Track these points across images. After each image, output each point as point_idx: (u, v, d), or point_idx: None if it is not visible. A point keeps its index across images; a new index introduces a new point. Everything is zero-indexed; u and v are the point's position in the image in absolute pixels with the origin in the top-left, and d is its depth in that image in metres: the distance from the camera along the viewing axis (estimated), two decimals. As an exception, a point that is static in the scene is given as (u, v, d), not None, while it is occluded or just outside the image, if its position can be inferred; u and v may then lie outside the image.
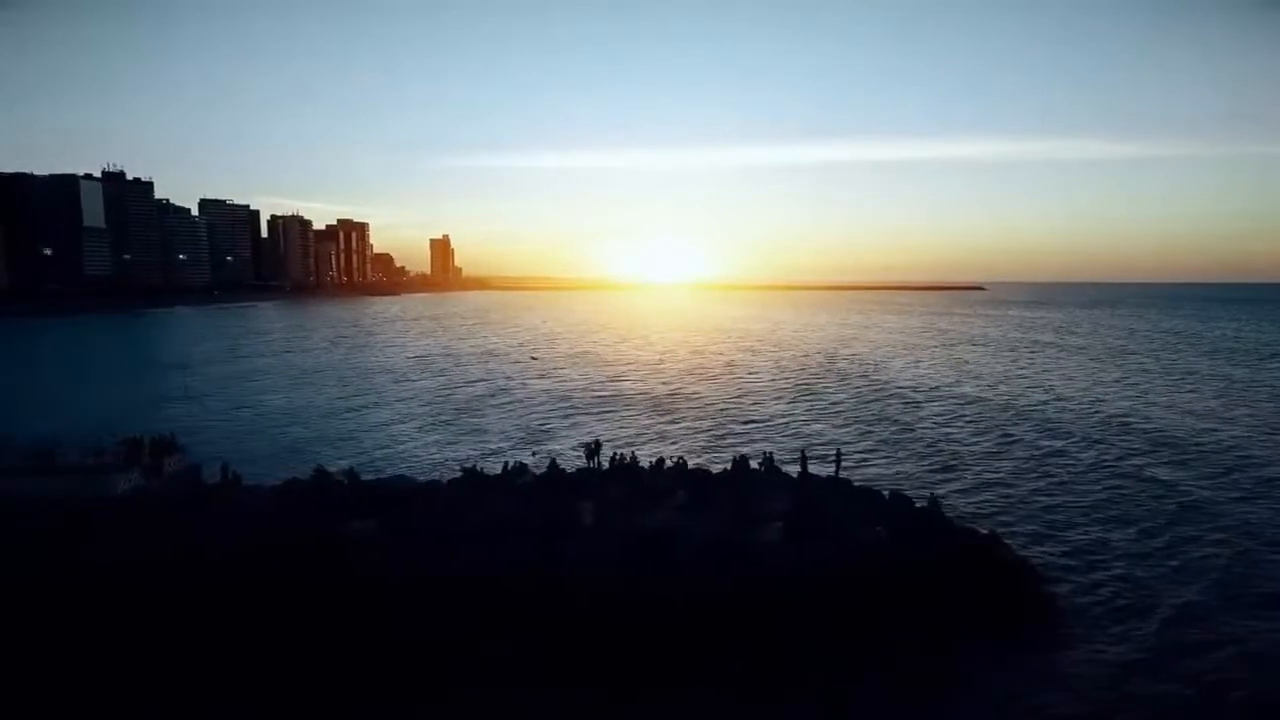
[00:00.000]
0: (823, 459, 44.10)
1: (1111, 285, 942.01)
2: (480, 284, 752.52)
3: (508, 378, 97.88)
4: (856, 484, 37.49)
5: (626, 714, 22.75)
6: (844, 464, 39.68)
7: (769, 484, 35.30)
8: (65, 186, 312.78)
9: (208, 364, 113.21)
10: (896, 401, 78.13)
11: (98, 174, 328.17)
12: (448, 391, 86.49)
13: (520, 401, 78.89)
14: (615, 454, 37.39)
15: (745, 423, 67.43)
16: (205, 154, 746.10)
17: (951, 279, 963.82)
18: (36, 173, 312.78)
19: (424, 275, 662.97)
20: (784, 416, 70.30)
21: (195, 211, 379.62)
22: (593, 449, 36.63)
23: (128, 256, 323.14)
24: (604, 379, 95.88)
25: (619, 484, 33.92)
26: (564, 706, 22.76)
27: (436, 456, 53.84)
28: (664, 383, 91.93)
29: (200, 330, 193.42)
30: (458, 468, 37.72)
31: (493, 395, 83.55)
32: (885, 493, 35.70)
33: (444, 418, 70.01)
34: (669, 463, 37.75)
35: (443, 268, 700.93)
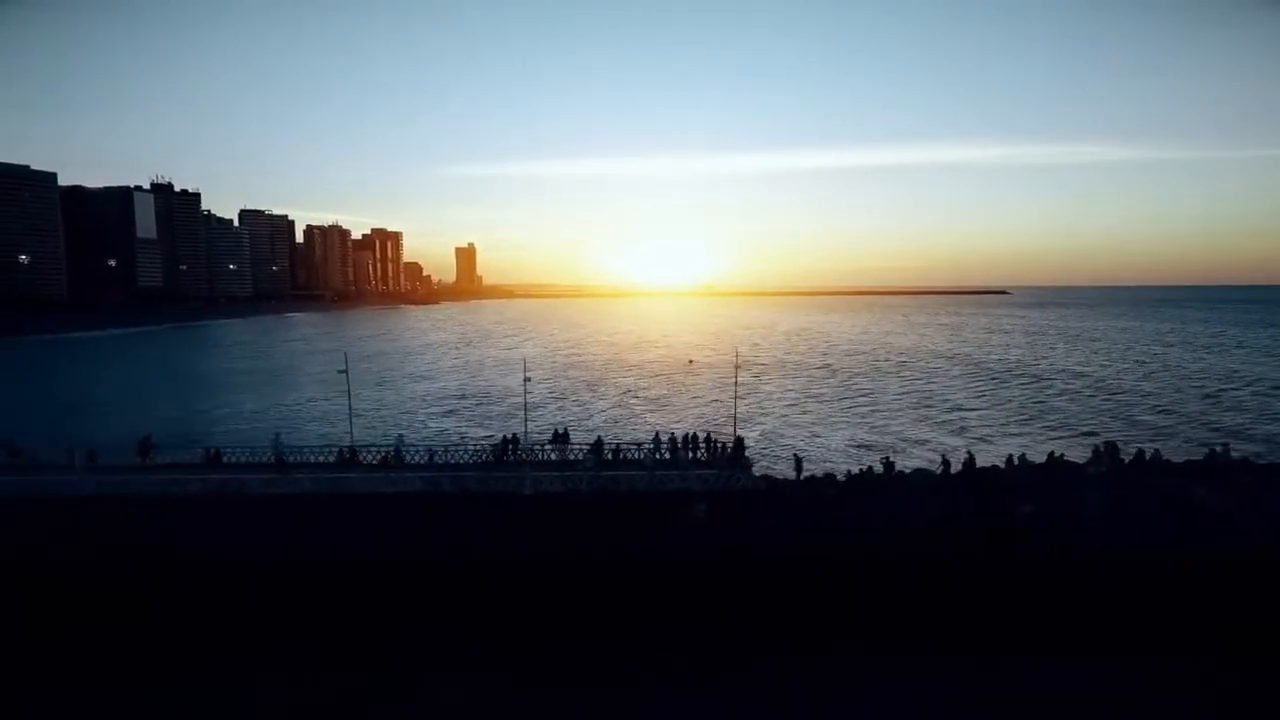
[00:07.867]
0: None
1: (1134, 288, 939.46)
2: (503, 292, 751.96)
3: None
4: None
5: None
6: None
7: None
8: (119, 198, 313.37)
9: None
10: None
11: (142, 185, 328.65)
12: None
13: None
14: (1101, 444, 38.08)
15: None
16: (208, 163, 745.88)
17: (974, 283, 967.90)
18: (86, 185, 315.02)
19: (451, 283, 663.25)
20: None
21: (236, 222, 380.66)
22: (1100, 448, 37.27)
23: (184, 267, 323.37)
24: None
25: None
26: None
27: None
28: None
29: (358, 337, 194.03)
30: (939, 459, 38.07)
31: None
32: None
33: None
34: (1149, 452, 38.42)
35: (468, 276, 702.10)
